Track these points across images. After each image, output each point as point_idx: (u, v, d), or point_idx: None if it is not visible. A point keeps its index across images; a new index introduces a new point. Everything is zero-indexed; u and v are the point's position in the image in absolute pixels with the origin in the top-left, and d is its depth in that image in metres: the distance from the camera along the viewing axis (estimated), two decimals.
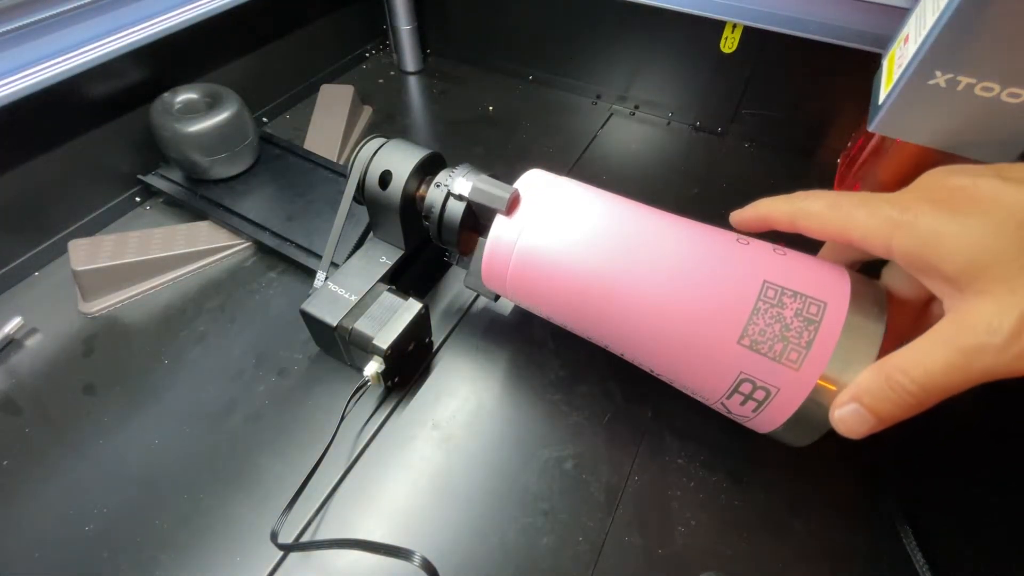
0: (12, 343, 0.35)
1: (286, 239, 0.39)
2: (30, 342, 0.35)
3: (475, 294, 0.37)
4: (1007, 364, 0.17)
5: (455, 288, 0.38)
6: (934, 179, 0.21)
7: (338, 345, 0.31)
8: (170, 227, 0.40)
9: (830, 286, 0.23)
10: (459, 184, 0.29)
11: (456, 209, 0.30)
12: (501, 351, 0.35)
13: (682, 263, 0.25)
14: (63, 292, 0.37)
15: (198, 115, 0.40)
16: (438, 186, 0.30)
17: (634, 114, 0.55)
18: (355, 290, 0.31)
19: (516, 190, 0.28)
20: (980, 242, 0.18)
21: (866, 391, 0.20)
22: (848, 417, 0.21)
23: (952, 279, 0.19)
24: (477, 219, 0.31)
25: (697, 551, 0.27)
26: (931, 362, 0.18)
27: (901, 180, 0.37)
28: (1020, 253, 0.17)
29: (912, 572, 0.26)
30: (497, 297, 0.33)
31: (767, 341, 0.23)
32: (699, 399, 0.28)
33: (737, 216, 0.27)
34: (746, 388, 0.24)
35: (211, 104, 0.41)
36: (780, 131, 0.49)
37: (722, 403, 0.26)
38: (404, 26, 0.57)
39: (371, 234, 0.35)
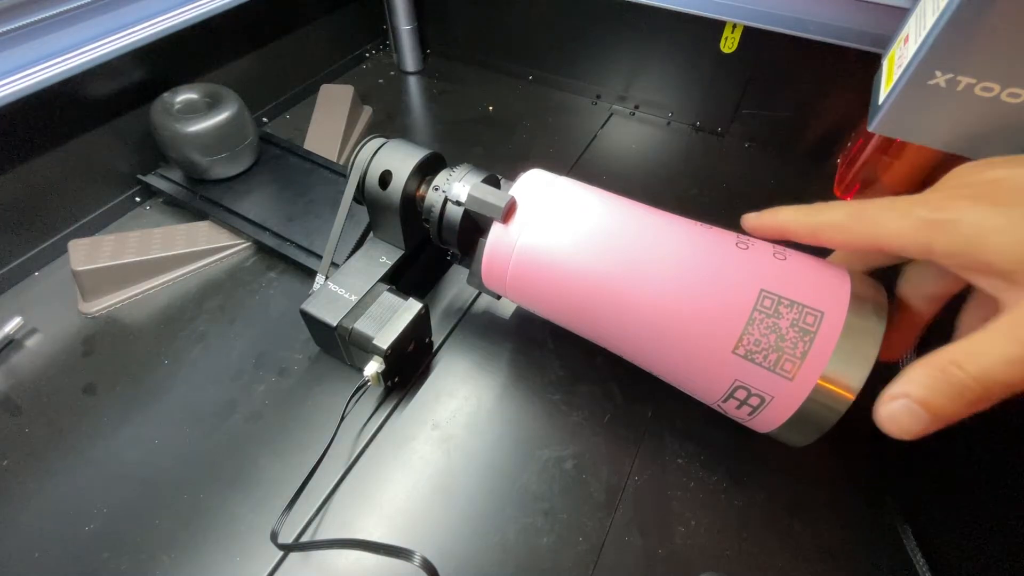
0: (12, 343, 0.35)
1: (286, 239, 0.39)
2: (30, 342, 0.35)
3: (475, 294, 0.37)
4: None
5: (455, 288, 0.38)
6: (967, 174, 0.20)
7: (338, 345, 0.31)
8: (170, 227, 0.40)
9: (829, 293, 0.23)
10: (456, 190, 0.29)
11: (455, 212, 0.30)
12: (501, 351, 0.35)
13: (680, 267, 0.25)
14: (63, 292, 0.37)
15: (198, 115, 0.40)
16: (436, 189, 0.30)
17: (634, 114, 0.55)
18: (355, 290, 0.31)
19: (512, 198, 0.28)
20: None
21: (921, 385, 0.19)
22: (899, 414, 0.19)
23: (1006, 274, 0.18)
24: (477, 220, 0.31)
25: (697, 551, 0.27)
26: (989, 356, 0.18)
27: (901, 180, 0.37)
28: None
29: (912, 572, 0.26)
30: (500, 296, 0.33)
31: (762, 351, 0.23)
32: (697, 399, 0.28)
33: (753, 221, 0.25)
34: (741, 394, 0.24)
35: (211, 104, 0.41)
36: (780, 131, 0.49)
37: (718, 405, 0.26)
38: (404, 26, 0.57)
39: (371, 234, 0.35)
